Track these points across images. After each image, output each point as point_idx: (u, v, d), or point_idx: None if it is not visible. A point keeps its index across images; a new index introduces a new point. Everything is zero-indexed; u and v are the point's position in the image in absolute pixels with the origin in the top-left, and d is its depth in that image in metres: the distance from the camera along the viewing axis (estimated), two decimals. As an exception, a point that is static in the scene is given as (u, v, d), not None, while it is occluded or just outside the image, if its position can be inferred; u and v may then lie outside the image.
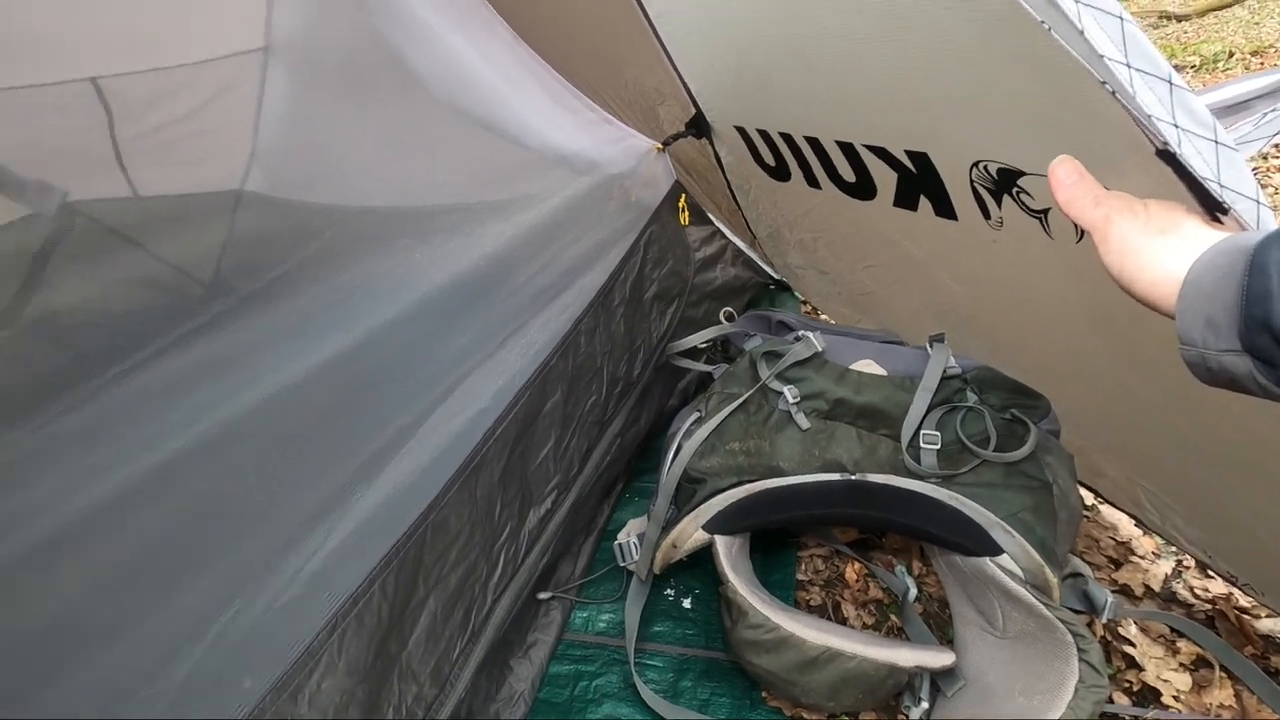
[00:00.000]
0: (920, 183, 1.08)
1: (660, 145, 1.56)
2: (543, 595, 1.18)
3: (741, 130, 1.45)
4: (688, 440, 1.17)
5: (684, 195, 1.68)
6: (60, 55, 1.46)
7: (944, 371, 1.10)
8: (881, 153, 1.10)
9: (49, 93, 1.50)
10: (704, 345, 1.42)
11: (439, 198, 1.50)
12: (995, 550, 0.98)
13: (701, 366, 1.37)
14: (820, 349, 1.17)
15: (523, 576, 1.05)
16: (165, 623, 0.65)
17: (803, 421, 1.15)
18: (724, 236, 1.91)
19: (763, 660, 0.99)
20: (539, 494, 1.09)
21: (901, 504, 1.04)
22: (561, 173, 1.35)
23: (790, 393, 1.16)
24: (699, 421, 1.19)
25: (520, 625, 1.10)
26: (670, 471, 1.14)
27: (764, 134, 1.38)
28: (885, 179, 1.15)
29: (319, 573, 0.72)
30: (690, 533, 1.10)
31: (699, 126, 1.56)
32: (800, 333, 1.21)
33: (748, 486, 1.10)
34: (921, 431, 1.07)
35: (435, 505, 0.87)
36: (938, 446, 1.06)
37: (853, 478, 1.07)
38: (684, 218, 1.69)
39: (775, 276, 2.08)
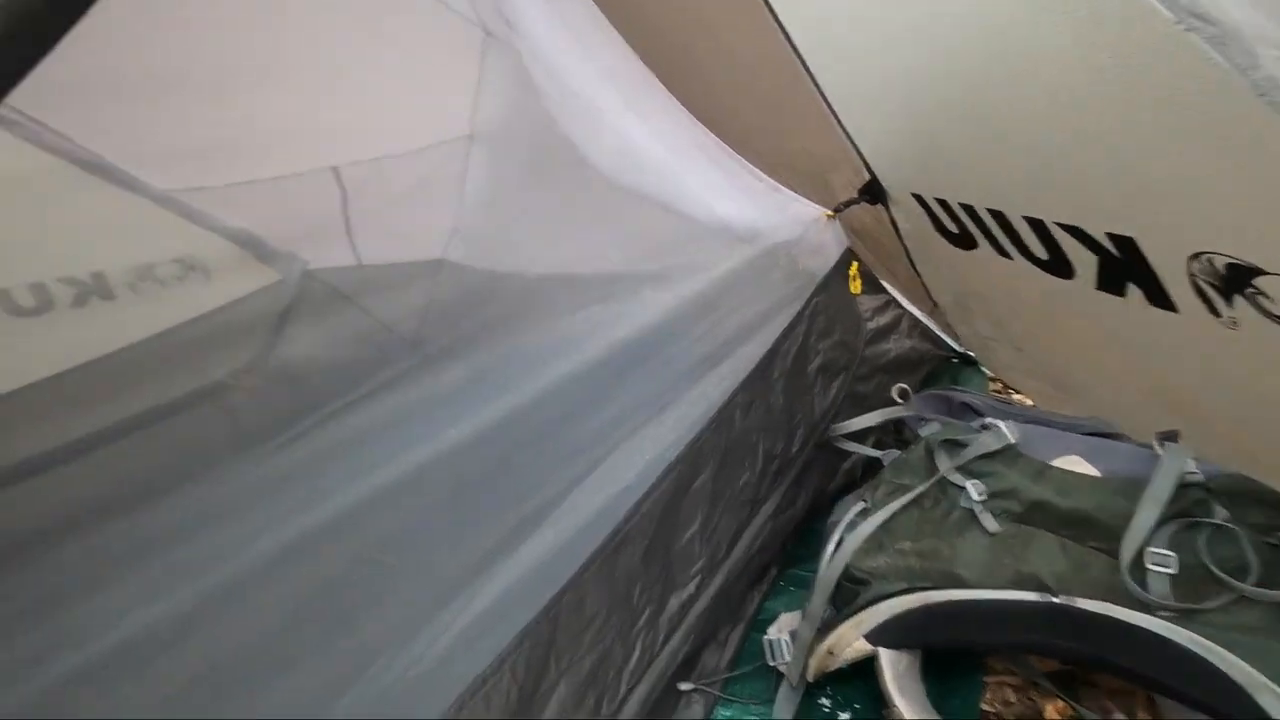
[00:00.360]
0: (1126, 268, 0.91)
1: (830, 212, 1.50)
2: (684, 686, 1.10)
3: (919, 197, 1.35)
4: (850, 534, 1.05)
5: (855, 262, 1.59)
6: (307, 148, 1.73)
7: (1179, 478, 0.90)
8: (1077, 233, 0.95)
9: (299, 180, 1.78)
10: (872, 427, 1.31)
11: (607, 266, 1.55)
12: (1262, 720, 0.76)
13: (869, 451, 1.25)
14: (1012, 440, 1.02)
15: (661, 663, 0.98)
16: (309, 674, 0.68)
17: (990, 524, 0.99)
18: (899, 305, 1.77)
19: (934, 808, 0.84)
20: (682, 577, 1.03)
21: (1122, 640, 0.84)
22: (725, 241, 1.34)
23: (975, 488, 1.01)
24: (865, 513, 1.07)
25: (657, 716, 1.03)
26: (830, 566, 1.03)
27: (943, 202, 1.27)
28: (1084, 260, 0.98)
29: (451, 648, 0.72)
30: (850, 640, 0.98)
31: (873, 192, 1.48)
32: (988, 420, 1.06)
33: (921, 595, 0.96)
34: (1149, 550, 0.87)
35: (573, 585, 0.85)
36: (1172, 571, 0.85)
37: (1056, 600, 0.89)
38: (855, 285, 1.60)
39: (958, 349, 1.89)
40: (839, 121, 1.36)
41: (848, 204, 1.51)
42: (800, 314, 1.38)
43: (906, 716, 0.90)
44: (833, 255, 1.52)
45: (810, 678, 1.01)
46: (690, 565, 1.05)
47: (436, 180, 2.07)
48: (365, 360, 1.58)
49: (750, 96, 1.56)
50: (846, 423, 1.27)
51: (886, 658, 0.95)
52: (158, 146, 1.39)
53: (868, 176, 1.46)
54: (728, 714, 1.11)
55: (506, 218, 2.16)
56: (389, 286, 1.95)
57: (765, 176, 1.41)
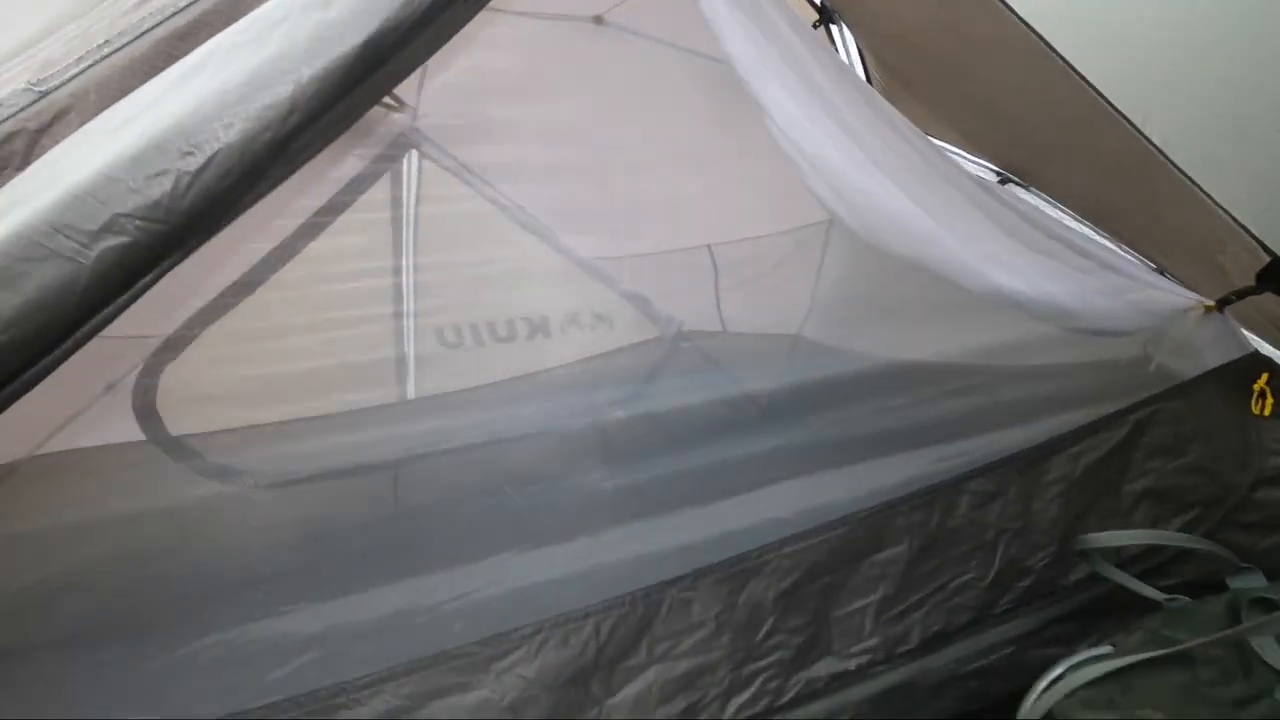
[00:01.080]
0: None
1: (1209, 303, 1.16)
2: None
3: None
4: (1075, 673, 0.80)
5: (1269, 375, 1.17)
6: (689, 229, 2.14)
7: None
8: None
9: (680, 255, 2.21)
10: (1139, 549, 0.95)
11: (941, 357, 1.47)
12: None
13: (1141, 586, 0.90)
14: None
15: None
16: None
17: None
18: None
19: None
20: (840, 647, 0.93)
21: None
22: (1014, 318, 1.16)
23: None
24: (1102, 659, 0.80)
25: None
26: (1032, 707, 0.80)
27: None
28: None
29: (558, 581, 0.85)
30: None
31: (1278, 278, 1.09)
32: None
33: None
34: None
35: (679, 583, 0.89)
36: None
37: None
38: (1265, 406, 1.17)
39: None
40: (1202, 191, 1.07)
41: (1241, 294, 1.14)
42: (1121, 416, 1.09)
43: None
44: (1209, 359, 1.16)
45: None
46: (854, 640, 0.94)
47: (797, 261, 2.27)
48: (719, 419, 1.82)
49: (1106, 168, 1.32)
50: (1102, 535, 0.94)
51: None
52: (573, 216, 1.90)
53: (1267, 258, 1.08)
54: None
55: (859, 301, 2.22)
56: (748, 354, 2.19)
57: (1096, 252, 1.17)
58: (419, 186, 1.76)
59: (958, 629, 0.99)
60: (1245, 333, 1.19)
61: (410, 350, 1.82)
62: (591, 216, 1.98)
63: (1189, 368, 1.15)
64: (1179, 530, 1.04)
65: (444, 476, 1.59)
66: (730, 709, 0.89)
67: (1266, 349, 1.19)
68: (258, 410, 1.47)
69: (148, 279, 0.52)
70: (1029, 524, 1.02)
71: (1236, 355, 1.16)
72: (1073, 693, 0.77)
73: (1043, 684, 0.81)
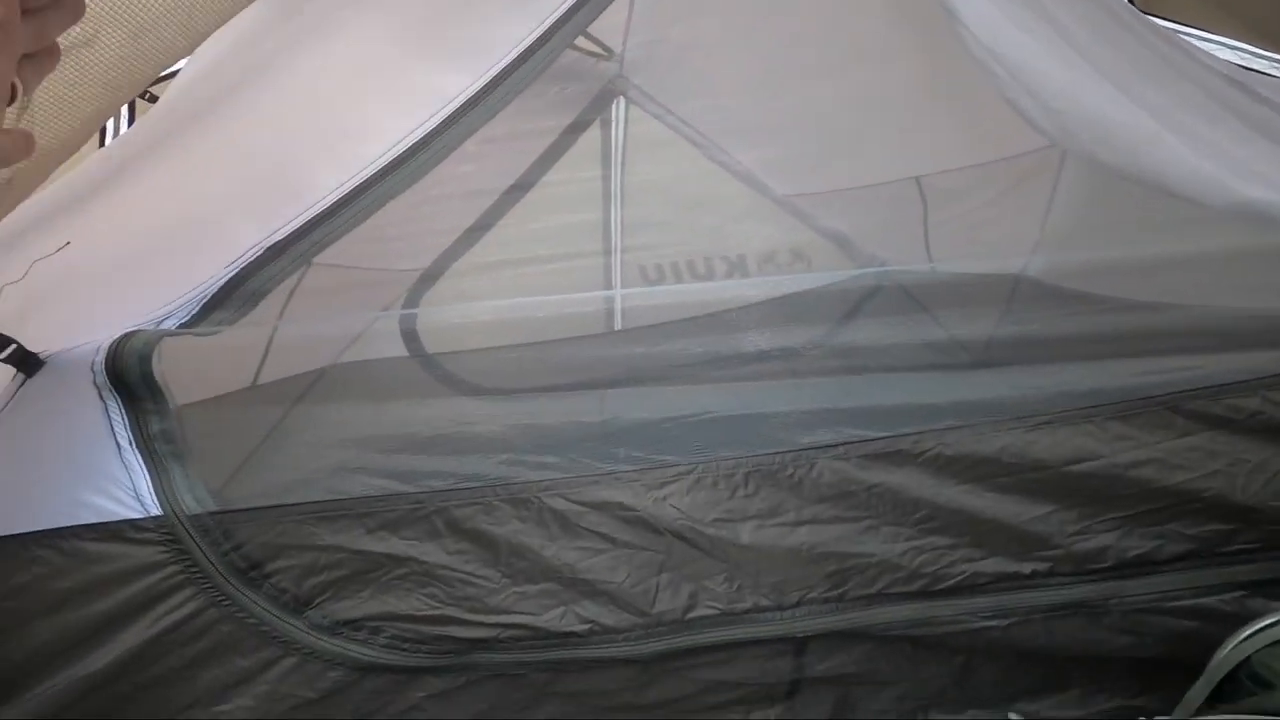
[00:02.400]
0: None
1: None
2: (1014, 717, 0.96)
3: None
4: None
5: None
6: (893, 160, 2.05)
7: None
8: None
9: (883, 189, 2.14)
10: None
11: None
12: None
13: None
14: None
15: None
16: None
17: None
18: None
19: None
20: (1012, 549, 0.92)
21: None
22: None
23: None
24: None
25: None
26: (1233, 650, 0.74)
27: None
28: None
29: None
30: None
31: None
32: None
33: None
34: None
35: (832, 450, 0.95)
36: None
37: None
38: None
39: None
40: None
41: None
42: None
43: None
44: None
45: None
46: (1032, 547, 0.92)
47: (1023, 191, 2.05)
48: (923, 366, 1.77)
49: None
50: None
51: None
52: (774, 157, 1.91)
53: None
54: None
55: (1098, 238, 1.98)
56: (958, 298, 2.03)
57: None
58: (626, 133, 1.88)
59: (1168, 559, 0.91)
60: None
61: (617, 285, 1.97)
62: (792, 155, 1.96)
63: None
64: None
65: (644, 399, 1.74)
66: (880, 583, 0.93)
67: None
68: (493, 335, 1.72)
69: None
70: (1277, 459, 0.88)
71: None
72: (1277, 642, 0.69)
73: (1250, 629, 0.73)
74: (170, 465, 0.92)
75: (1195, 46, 1.06)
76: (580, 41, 1.54)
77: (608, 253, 1.99)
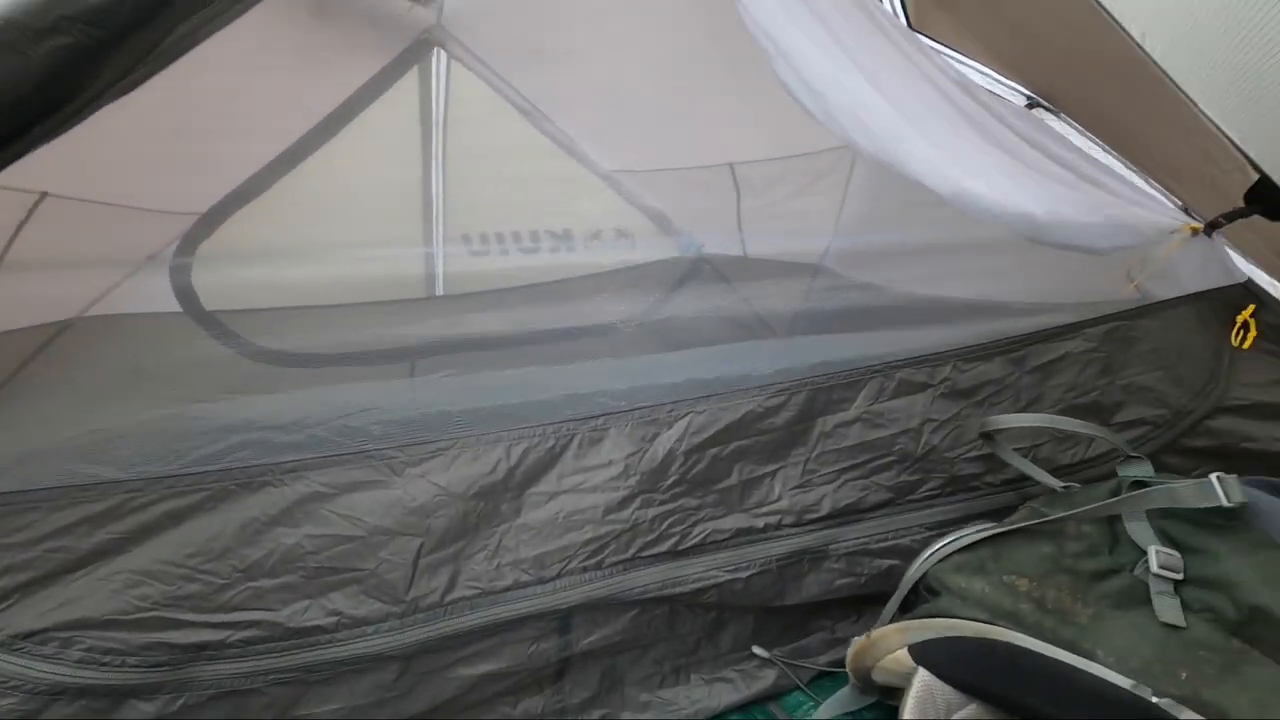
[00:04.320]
0: None
1: (1196, 225, 1.13)
2: (759, 651, 1.06)
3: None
4: (946, 541, 0.86)
5: (1255, 308, 1.15)
6: (708, 147, 2.13)
7: None
8: None
9: (701, 173, 2.21)
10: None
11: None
12: None
13: (1038, 472, 0.94)
14: (1229, 502, 0.69)
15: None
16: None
17: (1170, 613, 0.71)
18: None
19: None
20: (748, 505, 1.01)
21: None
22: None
23: (1161, 557, 0.73)
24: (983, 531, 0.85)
25: (716, 638, 1.04)
26: (916, 567, 0.87)
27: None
28: None
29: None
30: (891, 647, 0.82)
31: (1269, 203, 1.06)
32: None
33: (1002, 631, 0.75)
34: None
35: (590, 422, 0.97)
36: None
37: (1158, 701, 0.60)
38: (1245, 339, 1.16)
39: None
40: (1192, 102, 1.03)
41: (1230, 216, 1.12)
42: (1078, 326, 1.10)
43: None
44: (1190, 284, 1.15)
45: (848, 668, 0.87)
46: (762, 501, 1.02)
47: (821, 187, 2.23)
48: (726, 338, 1.86)
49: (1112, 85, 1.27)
50: (1003, 416, 0.97)
51: (921, 685, 0.76)
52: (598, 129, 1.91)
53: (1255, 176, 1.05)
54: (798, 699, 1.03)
55: (882, 233, 2.19)
56: (767, 281, 2.18)
57: (1147, 181, 1.13)
58: (448, 90, 1.80)
59: (871, 507, 1.04)
60: (1242, 261, 1.16)
61: (438, 249, 1.89)
62: (616, 131, 1.98)
63: (1170, 291, 1.14)
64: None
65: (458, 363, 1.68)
66: (634, 548, 0.95)
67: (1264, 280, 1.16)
68: (285, 293, 1.57)
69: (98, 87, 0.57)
70: (959, 418, 1.05)
71: (1225, 283, 1.14)
72: (948, 558, 0.84)
73: (928, 551, 0.87)
74: None
75: (946, 60, 1.21)
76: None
77: (428, 220, 1.91)
